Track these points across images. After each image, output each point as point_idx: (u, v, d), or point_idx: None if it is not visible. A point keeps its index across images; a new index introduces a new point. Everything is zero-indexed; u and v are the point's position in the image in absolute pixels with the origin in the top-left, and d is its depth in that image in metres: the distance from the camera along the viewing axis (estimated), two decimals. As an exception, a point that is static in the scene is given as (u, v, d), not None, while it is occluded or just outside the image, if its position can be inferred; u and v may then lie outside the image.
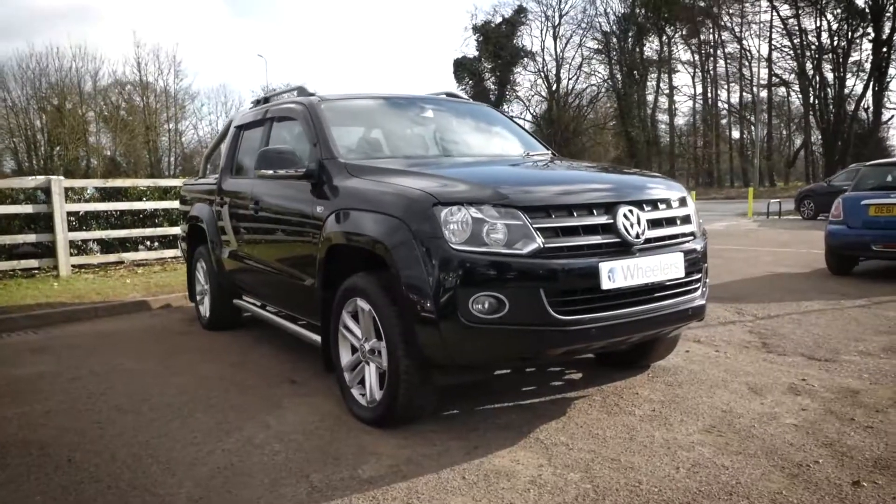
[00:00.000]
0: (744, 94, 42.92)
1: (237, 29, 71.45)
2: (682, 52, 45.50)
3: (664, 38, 44.48)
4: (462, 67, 49.44)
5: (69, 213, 7.94)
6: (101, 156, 42.88)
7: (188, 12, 68.96)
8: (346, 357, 3.44)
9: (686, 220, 3.39)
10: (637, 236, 3.04)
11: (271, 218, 4.27)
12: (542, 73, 48.28)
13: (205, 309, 5.70)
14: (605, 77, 47.21)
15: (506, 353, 2.94)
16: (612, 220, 3.01)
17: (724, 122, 45.25)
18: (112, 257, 8.35)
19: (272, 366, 4.41)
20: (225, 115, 51.99)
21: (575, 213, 2.98)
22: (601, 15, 46.53)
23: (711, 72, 44.16)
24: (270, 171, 3.77)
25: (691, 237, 3.37)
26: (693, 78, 45.23)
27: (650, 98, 46.23)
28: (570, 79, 47.85)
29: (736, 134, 45.48)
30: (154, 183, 8.91)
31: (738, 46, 42.25)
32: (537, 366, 4.11)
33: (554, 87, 47.89)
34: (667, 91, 46.13)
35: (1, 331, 5.83)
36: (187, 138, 49.70)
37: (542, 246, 2.85)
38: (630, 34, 45.42)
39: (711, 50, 43.56)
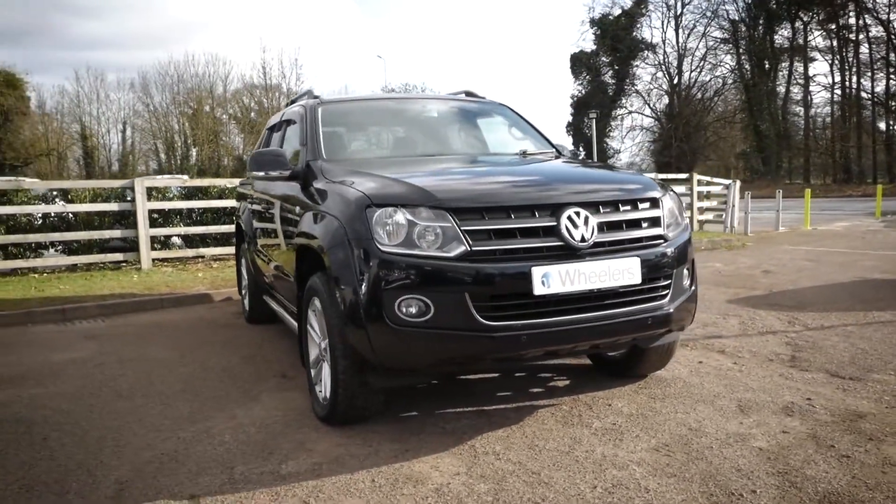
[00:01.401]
0: (891, 81, 38.93)
1: (355, 29, 74.02)
2: (819, 39, 41.97)
3: (797, 24, 41.25)
4: (579, 62, 48.47)
5: (152, 211, 8.65)
6: (232, 155, 46.00)
7: (316, 15, 72.21)
8: (312, 354, 3.52)
9: (654, 222, 3.16)
10: (583, 240, 2.88)
11: (273, 217, 4.44)
12: (662, 66, 46.34)
13: (246, 303, 6.01)
14: (732, 68, 44.54)
15: (433, 358, 2.88)
16: (555, 223, 2.88)
17: (866, 112, 41.26)
18: (190, 252, 8.98)
19: (277, 360, 4.58)
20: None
21: (513, 216, 2.87)
22: (728, 2, 44.01)
23: (852, 59, 40.42)
24: (262, 173, 3.92)
25: (659, 241, 3.14)
26: (831, 66, 41.62)
27: (781, 89, 43.04)
28: (692, 71, 45.59)
29: (881, 125, 41.34)
30: (230, 182, 9.46)
31: (884, 29, 38.36)
32: (473, 372, 3.96)
33: (675, 80, 45.81)
34: (800, 81, 42.77)
35: (74, 318, 6.44)
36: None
37: (469, 249, 2.77)
38: (760, 21, 42.54)
39: (853, 35, 39.87)
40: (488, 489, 2.55)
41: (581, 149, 49.08)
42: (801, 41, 41.45)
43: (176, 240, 9.26)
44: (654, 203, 3.21)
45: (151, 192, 8.74)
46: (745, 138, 45.58)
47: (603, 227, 2.98)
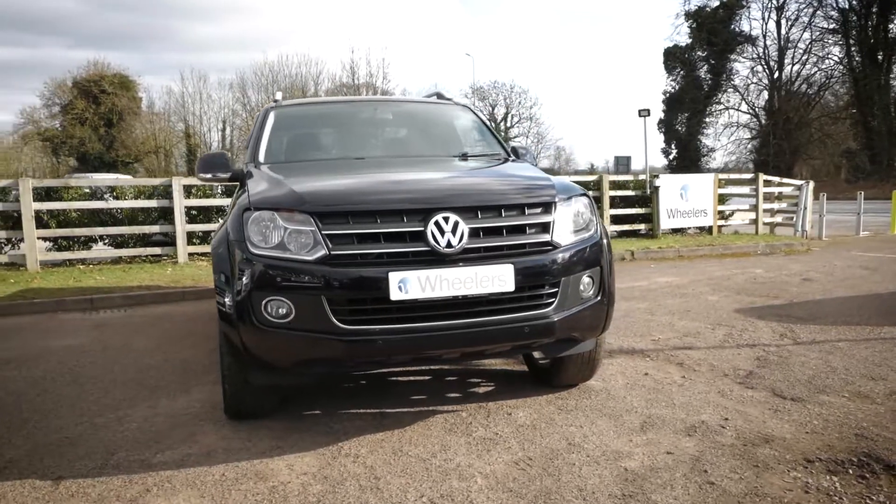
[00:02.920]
0: None
1: (456, 27, 74.48)
2: (943, 26, 38.31)
3: (917, 10, 37.84)
4: (672, 57, 46.66)
5: (191, 208, 9.16)
6: (324, 153, 47.68)
7: (416, 14, 73.28)
8: (224, 351, 3.65)
9: (541, 228, 3.06)
10: (449, 245, 2.84)
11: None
12: (761, 60, 43.83)
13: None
14: (839, 60, 41.51)
15: (296, 359, 2.93)
16: (422, 228, 2.85)
17: None
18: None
19: (237, 354, 4.76)
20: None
21: (379, 220, 2.88)
22: (837, -11, 40.93)
23: (981, 46, 36.66)
24: (209, 175, 4.09)
25: (545, 248, 3.03)
26: (957, 55, 37.88)
27: (894, 83, 39.68)
28: (794, 64, 42.85)
29: None
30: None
31: None
32: (344, 373, 3.98)
33: (775, 74, 43.24)
34: (920, 72, 39.21)
35: (100, 307, 6.95)
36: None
37: (328, 253, 2.81)
38: (873, 9, 39.37)
39: (982, 20, 36.15)
40: (320, 490, 2.58)
41: (674, 147, 47.36)
42: (919, 30, 38.05)
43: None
44: (547, 208, 3.11)
45: (190, 190, 9.27)
46: (853, 135, 42.39)
47: (478, 233, 2.93)
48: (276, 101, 4.68)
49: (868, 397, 3.51)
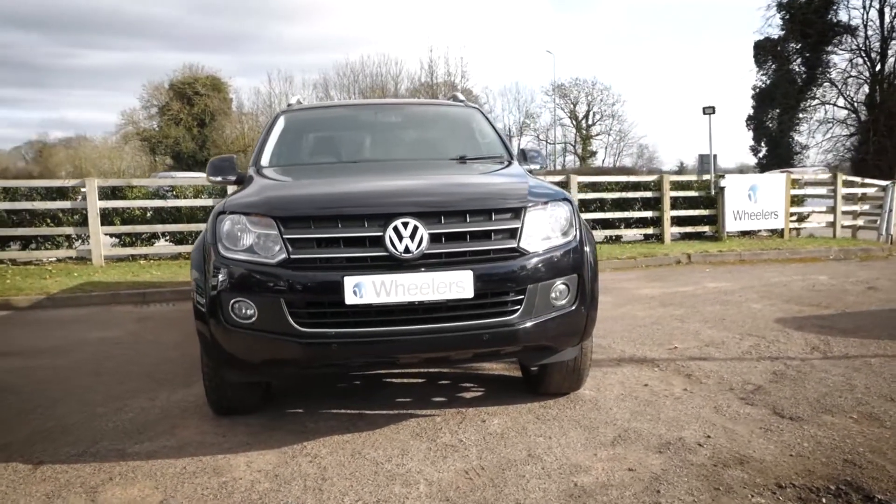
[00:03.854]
0: None
1: (540, 24, 73.78)
2: None
3: None
4: (763, 50, 44.46)
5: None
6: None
7: (501, 11, 73.09)
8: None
9: (508, 234, 3.00)
10: (406, 251, 2.84)
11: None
12: (861, 51, 41.05)
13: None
14: (953, 49, 38.32)
15: (260, 359, 3.00)
16: (381, 233, 2.86)
17: None
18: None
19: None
20: (517, 111, 54.54)
21: (340, 225, 2.90)
22: (951, -27, 37.81)
23: None
24: (218, 178, 4.24)
25: (511, 254, 2.97)
26: None
27: None
28: (900, 55, 39.87)
29: None
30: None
31: None
32: (310, 374, 4.00)
33: (877, 67, 40.39)
34: None
35: (150, 301, 7.33)
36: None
37: (288, 256, 2.86)
38: None
39: None
40: (266, 488, 2.63)
41: (763, 145, 45.14)
42: None
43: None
44: (516, 214, 3.04)
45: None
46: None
47: (440, 239, 2.90)
48: (289, 104, 4.80)
49: (878, 420, 3.24)
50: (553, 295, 3.06)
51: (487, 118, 4.68)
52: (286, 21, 71.88)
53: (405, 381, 4.05)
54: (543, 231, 3.08)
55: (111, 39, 72.00)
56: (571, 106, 55.43)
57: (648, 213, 12.00)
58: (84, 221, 8.98)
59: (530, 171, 4.39)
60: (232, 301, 2.93)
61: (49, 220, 9.14)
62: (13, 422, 3.48)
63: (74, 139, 53.70)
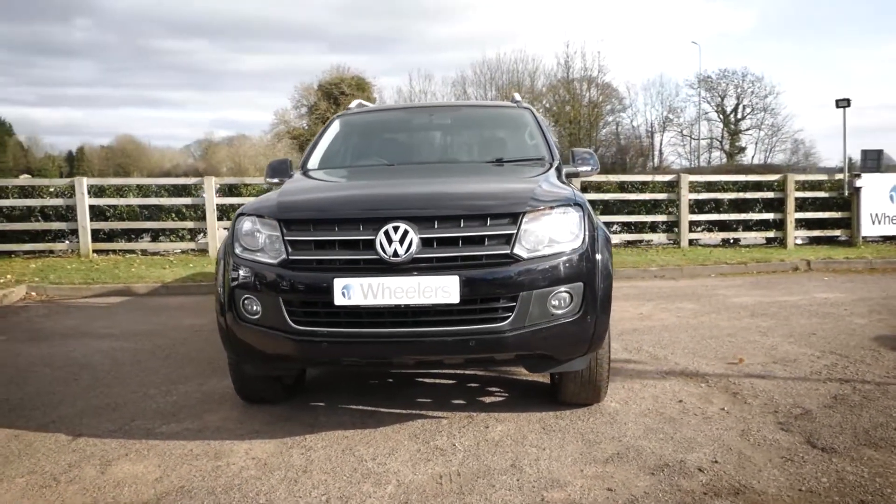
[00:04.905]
0: None
1: (671, 14, 70.23)
2: None
3: None
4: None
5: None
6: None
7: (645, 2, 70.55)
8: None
9: (505, 240, 2.94)
10: (395, 254, 2.88)
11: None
12: None
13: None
14: None
15: (265, 354, 3.16)
16: (373, 237, 2.93)
17: None
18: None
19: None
20: (660, 105, 52.24)
21: (337, 228, 3.00)
22: None
23: None
24: (276, 179, 4.52)
25: (504, 260, 2.92)
26: None
27: None
28: None
29: None
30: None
31: None
32: (309, 367, 4.05)
33: None
34: None
35: (196, 293, 7.83)
36: (608, 131, 51.49)
37: (287, 257, 3.00)
38: None
39: None
40: (250, 475, 2.78)
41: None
42: None
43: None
44: (513, 219, 2.98)
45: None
46: None
47: (431, 243, 2.92)
48: (349, 108, 4.98)
49: (927, 458, 2.85)
50: (555, 303, 2.98)
51: (537, 119, 4.59)
52: (431, 20, 73.69)
53: (434, 381, 4.09)
54: (543, 237, 3.00)
55: (268, 43, 77.59)
56: (719, 99, 52.23)
57: (769, 216, 11.14)
58: (204, 216, 9.81)
59: (577, 174, 4.29)
60: (242, 297, 3.12)
61: (174, 215, 10.08)
62: (76, 396, 3.92)
63: (235, 138, 58.44)
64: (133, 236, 10.45)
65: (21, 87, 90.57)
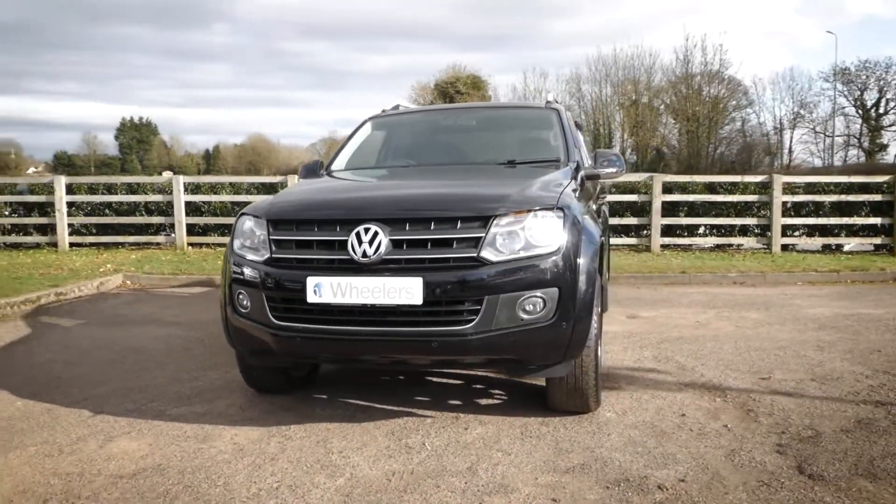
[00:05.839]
0: None
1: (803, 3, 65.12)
2: None
3: None
4: None
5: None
6: (649, 145, 46.46)
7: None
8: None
9: (473, 243, 2.95)
10: (365, 255, 2.97)
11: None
12: None
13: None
14: None
15: (253, 346, 3.33)
16: (346, 238, 3.04)
17: None
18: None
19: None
20: (791, 100, 48.96)
21: (316, 229, 3.14)
22: None
23: None
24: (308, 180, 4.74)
25: (471, 263, 2.93)
26: None
27: None
28: None
29: None
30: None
31: None
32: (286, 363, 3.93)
33: None
34: None
35: None
36: (731, 128, 48.76)
37: (271, 255, 3.18)
38: None
39: None
40: (223, 458, 2.97)
41: None
42: None
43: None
44: (484, 223, 2.98)
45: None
46: None
47: (401, 245, 2.99)
48: (383, 110, 5.12)
49: (929, 494, 2.58)
50: (527, 307, 2.96)
51: (563, 120, 4.52)
52: (552, 18, 73.02)
53: (442, 380, 4.13)
54: (516, 241, 2.99)
55: (388, 43, 80.00)
56: (857, 92, 48.10)
57: (877, 220, 10.21)
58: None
59: (597, 176, 4.21)
60: (237, 292, 3.33)
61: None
62: (116, 378, 4.30)
63: (355, 137, 60.96)
64: (225, 231, 11.19)
65: (166, 89, 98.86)
